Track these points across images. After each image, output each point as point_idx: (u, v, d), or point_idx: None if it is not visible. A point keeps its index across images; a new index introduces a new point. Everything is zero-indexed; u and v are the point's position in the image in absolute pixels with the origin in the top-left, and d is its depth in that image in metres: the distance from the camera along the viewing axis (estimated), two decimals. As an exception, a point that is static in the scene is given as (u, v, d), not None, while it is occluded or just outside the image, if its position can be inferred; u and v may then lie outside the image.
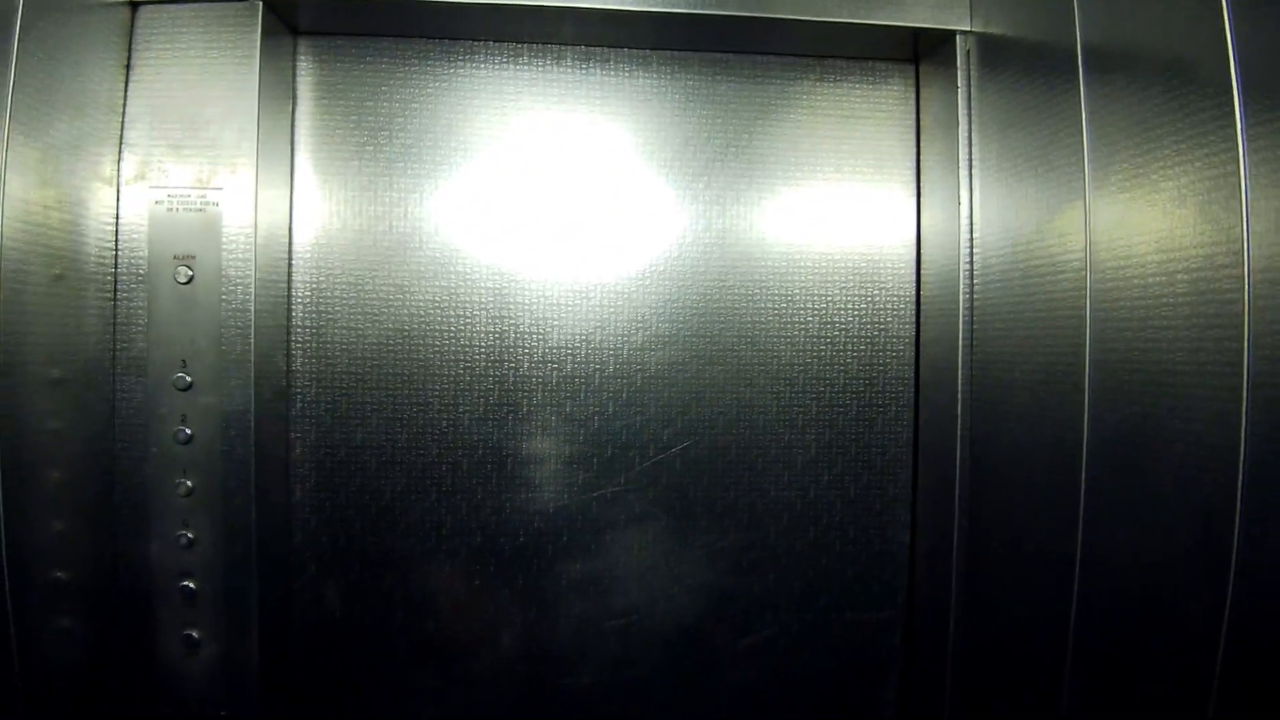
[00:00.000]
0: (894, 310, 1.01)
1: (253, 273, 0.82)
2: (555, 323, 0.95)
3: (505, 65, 0.95)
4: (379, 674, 0.94)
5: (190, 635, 0.83)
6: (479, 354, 0.94)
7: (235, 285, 0.82)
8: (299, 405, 0.91)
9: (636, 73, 0.97)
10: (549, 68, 0.96)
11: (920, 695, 0.99)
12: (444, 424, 0.93)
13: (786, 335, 1.01)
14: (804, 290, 1.00)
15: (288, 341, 0.91)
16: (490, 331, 0.94)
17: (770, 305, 0.99)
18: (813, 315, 1.01)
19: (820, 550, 1.02)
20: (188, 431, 0.82)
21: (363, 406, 0.92)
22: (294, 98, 0.92)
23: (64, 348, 0.76)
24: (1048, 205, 0.77)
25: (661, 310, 0.97)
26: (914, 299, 1.01)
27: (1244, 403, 0.56)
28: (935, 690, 0.95)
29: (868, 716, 1.04)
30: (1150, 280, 0.64)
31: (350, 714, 0.94)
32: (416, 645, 0.94)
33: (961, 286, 0.91)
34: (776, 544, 1.01)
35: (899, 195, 1.01)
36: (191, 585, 0.83)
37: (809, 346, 1.01)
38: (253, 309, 0.82)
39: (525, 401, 0.95)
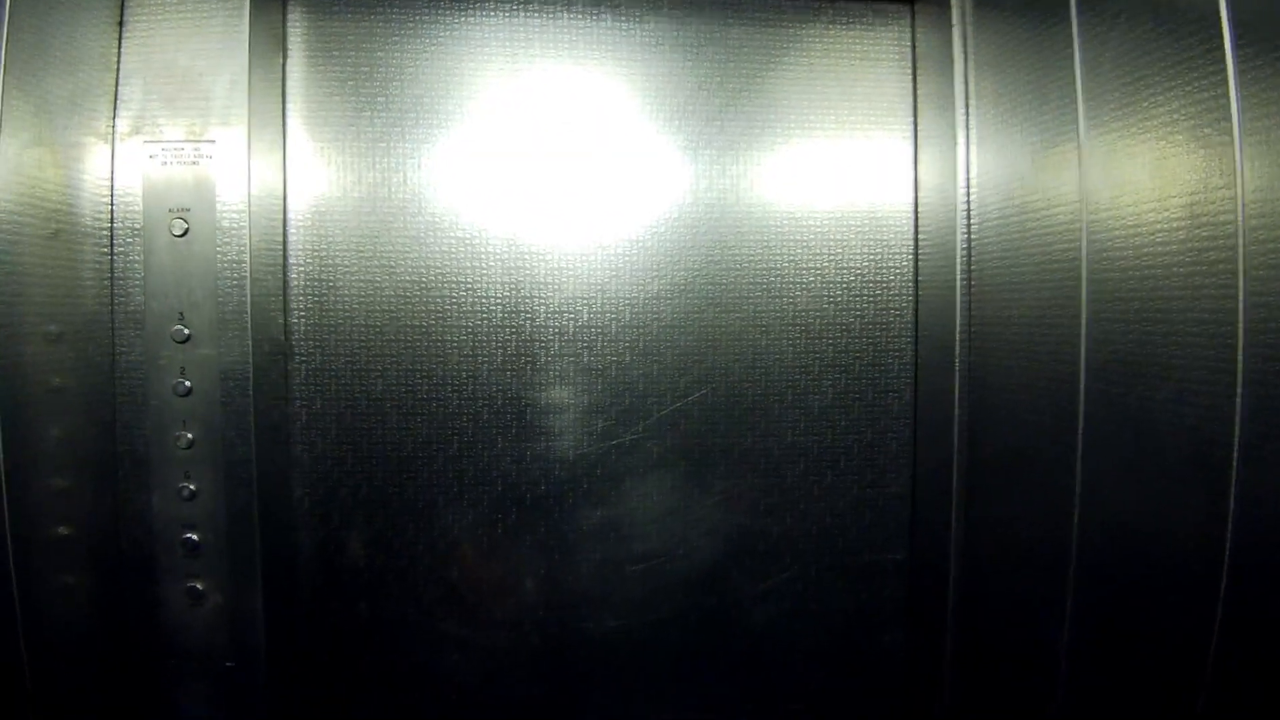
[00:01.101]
0: (902, 254, 1.02)
1: (247, 225, 0.82)
2: (571, 273, 0.95)
3: (515, 13, 0.94)
4: (401, 623, 0.95)
5: (194, 587, 0.85)
6: (495, 305, 0.94)
7: (230, 237, 0.82)
8: (310, 357, 0.92)
9: (648, 18, 0.96)
10: (559, 14, 0.95)
11: (925, 637, 1.02)
12: (463, 375, 0.94)
13: (801, 281, 1.01)
14: (818, 235, 1.00)
15: (285, 295, 0.91)
16: (506, 283, 0.94)
17: (785, 251, 1.00)
18: (828, 260, 1.01)
19: (836, 494, 1.03)
20: (187, 384, 0.83)
21: (383, 359, 0.92)
22: (284, 50, 0.91)
23: (62, 303, 0.77)
24: (1043, 140, 0.77)
25: (677, 258, 0.97)
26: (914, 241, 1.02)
27: (1240, 323, 0.57)
28: (937, 631, 0.97)
29: (878, 656, 1.07)
30: (1145, 209, 0.65)
31: (369, 662, 0.96)
32: (440, 594, 0.96)
33: (959, 225, 0.93)
34: (793, 489, 1.02)
35: (904, 136, 1.01)
36: (194, 537, 0.84)
37: (823, 291, 1.01)
38: (248, 261, 0.82)
39: (543, 352, 0.95)
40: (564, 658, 0.99)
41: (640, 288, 0.97)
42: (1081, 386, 0.74)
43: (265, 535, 0.85)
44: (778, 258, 1.00)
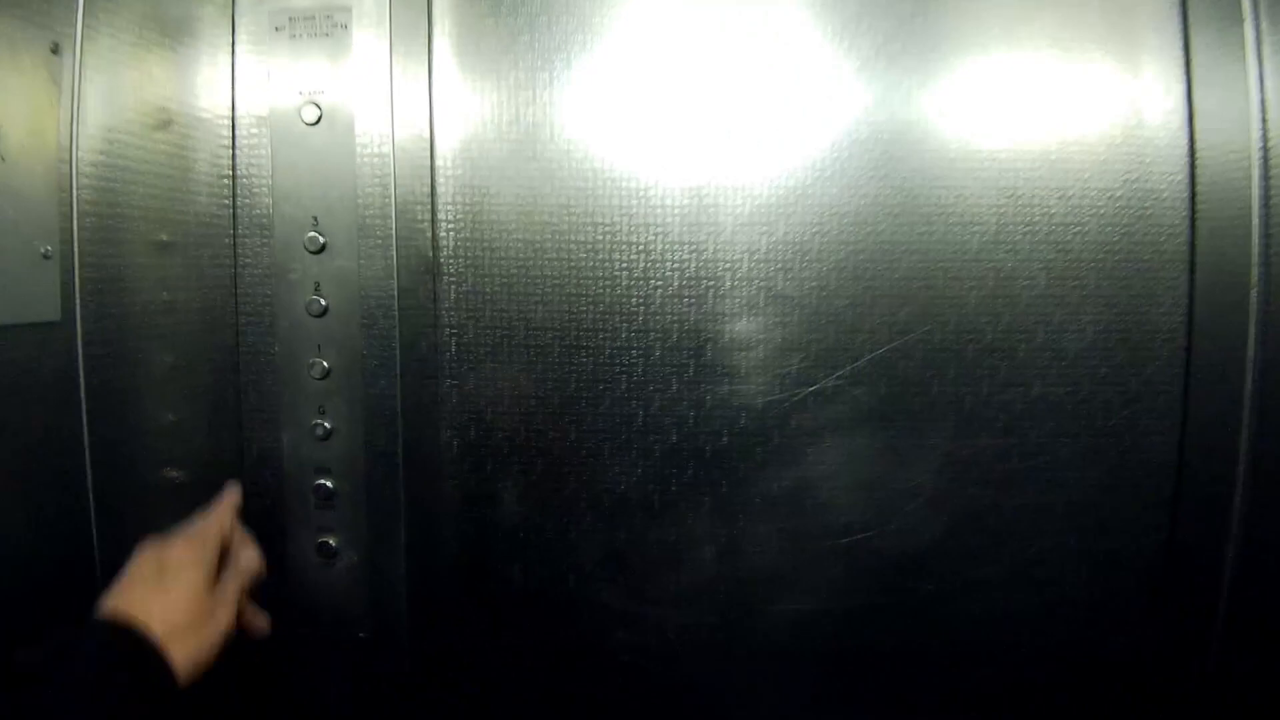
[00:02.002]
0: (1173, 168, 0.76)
1: (389, 108, 0.68)
2: (765, 172, 0.77)
3: None
4: (560, 592, 0.82)
5: (326, 543, 0.74)
6: (672, 215, 0.77)
7: (370, 124, 0.69)
8: (461, 278, 0.78)
9: None
10: None
11: (1184, 643, 0.78)
12: (634, 301, 0.78)
13: (1057, 186, 0.78)
14: (1077, 140, 0.77)
15: (432, 202, 0.76)
16: (685, 189, 0.77)
17: (1038, 150, 0.77)
18: (1083, 151, 0.78)
19: (1091, 460, 0.81)
20: (322, 302, 0.71)
21: (543, 281, 0.78)
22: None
23: (173, 205, 0.67)
24: None
25: (907, 151, 0.77)
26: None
27: None
28: (1200, 638, 0.75)
29: (1126, 662, 0.85)
30: None
31: (523, 636, 0.83)
32: (604, 560, 0.82)
33: (1253, 132, 0.72)
34: (1037, 452, 0.81)
35: (1154, 65, 0.76)
36: (328, 484, 0.73)
37: (1085, 197, 0.78)
38: (391, 152, 0.69)
39: (728, 274, 0.78)
40: (745, 641, 0.83)
41: (853, 190, 0.77)
42: None
43: (409, 484, 0.73)
44: (1028, 157, 0.77)
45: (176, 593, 0.53)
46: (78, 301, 0.60)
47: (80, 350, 0.59)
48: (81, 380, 0.59)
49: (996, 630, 0.83)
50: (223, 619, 0.55)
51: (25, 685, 0.43)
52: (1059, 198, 0.79)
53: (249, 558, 0.62)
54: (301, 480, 0.73)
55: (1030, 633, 0.83)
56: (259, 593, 0.65)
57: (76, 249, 0.61)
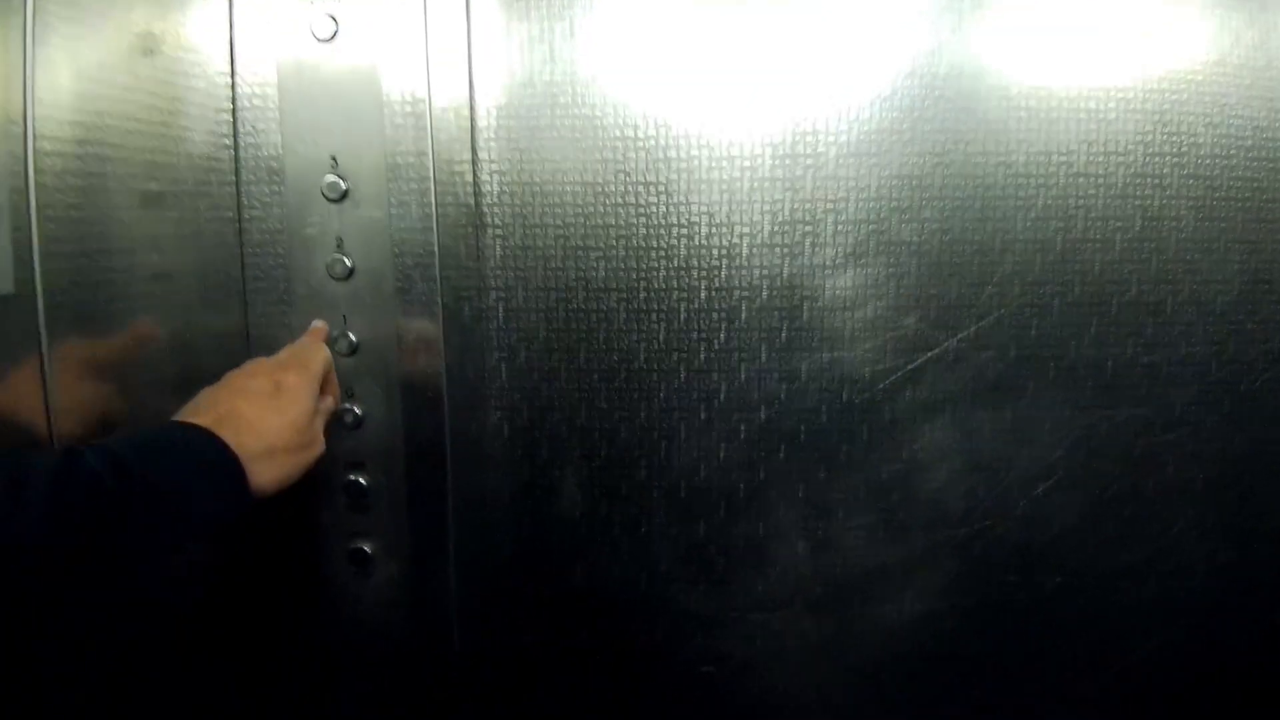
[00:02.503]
0: None
1: (421, 16, 0.55)
2: (873, 91, 0.63)
3: None
4: (631, 595, 0.70)
5: (360, 550, 0.63)
6: (762, 146, 0.64)
7: (397, 39, 0.56)
8: (508, 230, 0.65)
9: None
10: None
11: None
12: (715, 254, 0.65)
13: (1204, 113, 0.66)
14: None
15: (472, 137, 0.63)
16: (777, 113, 0.64)
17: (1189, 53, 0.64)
18: (1227, 76, 0.65)
19: (1232, 429, 0.70)
20: (346, 262, 0.59)
21: (605, 231, 0.65)
22: None
23: (162, 147, 0.56)
24: None
25: (1033, 71, 0.64)
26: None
27: None
28: None
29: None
30: None
31: (589, 646, 0.72)
32: (681, 558, 0.70)
33: None
34: (1180, 421, 0.69)
35: None
36: (361, 480, 0.62)
37: (1231, 127, 0.65)
38: (426, 70, 0.55)
39: (830, 216, 0.65)
40: (846, 648, 0.72)
41: (979, 116, 0.64)
42: None
43: (456, 477, 0.61)
44: (1174, 80, 0.65)
45: (290, 416, 0.53)
46: (37, 270, 0.48)
47: (43, 330, 0.47)
48: (46, 368, 0.47)
49: (1131, 626, 0.72)
50: (317, 448, 0.56)
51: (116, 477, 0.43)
52: (1206, 125, 0.66)
53: (335, 395, 0.61)
54: (329, 477, 0.61)
55: (1162, 628, 0.72)
56: (284, 605, 0.55)
57: (34, 203, 0.48)
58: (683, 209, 0.64)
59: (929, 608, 0.71)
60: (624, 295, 0.66)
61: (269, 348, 0.61)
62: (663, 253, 0.65)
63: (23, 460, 0.42)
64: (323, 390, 0.59)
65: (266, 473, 0.50)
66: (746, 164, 0.64)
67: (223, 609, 0.65)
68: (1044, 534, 0.70)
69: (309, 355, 0.59)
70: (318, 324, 0.61)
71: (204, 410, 0.51)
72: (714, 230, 0.65)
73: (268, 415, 0.52)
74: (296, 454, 0.53)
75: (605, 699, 0.72)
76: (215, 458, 0.48)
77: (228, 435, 0.49)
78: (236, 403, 0.52)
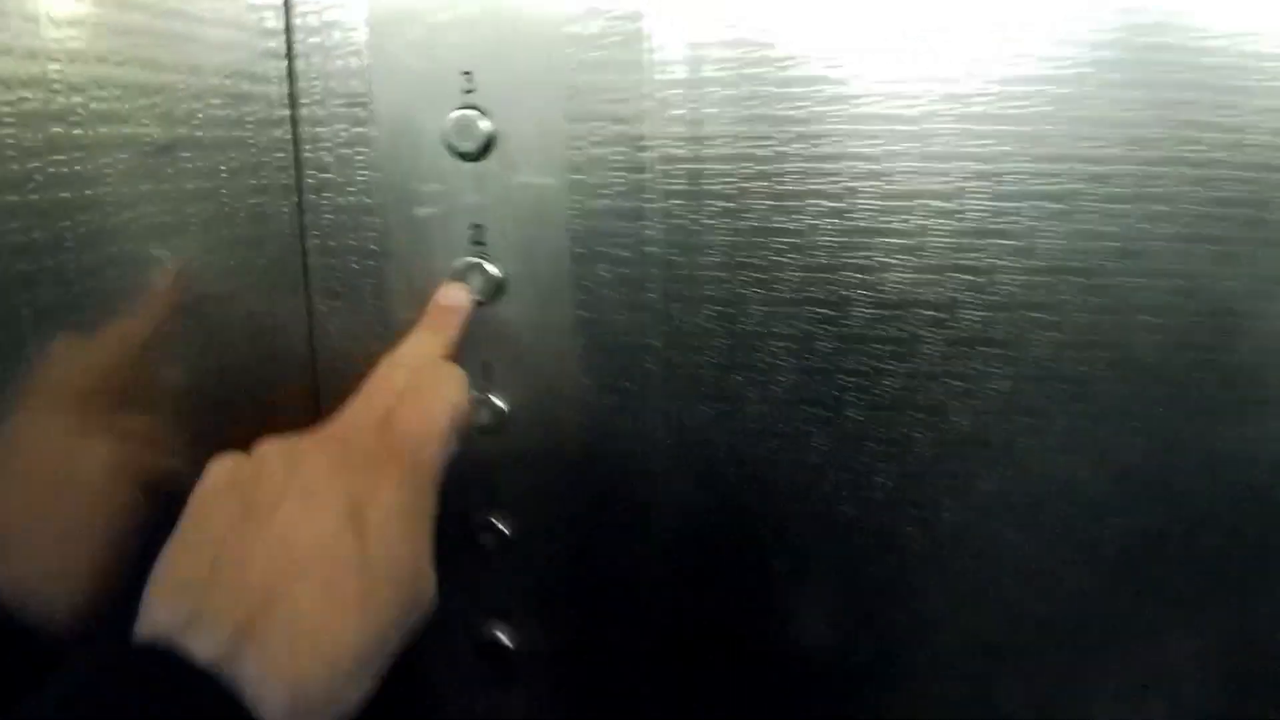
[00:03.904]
0: None
1: None
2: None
3: None
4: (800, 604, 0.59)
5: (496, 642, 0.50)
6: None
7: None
8: (672, 172, 0.52)
9: None
10: None
11: None
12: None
13: None
14: None
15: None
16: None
17: None
18: None
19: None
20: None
21: (783, 178, 0.52)
22: None
23: (181, 85, 0.41)
24: None
25: None
26: None
27: None
28: None
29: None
30: None
31: (740, 666, 0.60)
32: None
33: None
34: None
35: None
36: (502, 527, 0.49)
37: None
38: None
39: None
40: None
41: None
42: None
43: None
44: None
45: (385, 574, 0.30)
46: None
47: None
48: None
49: None
50: (426, 599, 0.32)
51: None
52: None
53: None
54: (455, 522, 0.46)
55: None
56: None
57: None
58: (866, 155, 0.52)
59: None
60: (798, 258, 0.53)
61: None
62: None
63: None
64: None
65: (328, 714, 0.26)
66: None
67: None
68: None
69: (430, 408, 0.34)
70: (452, 291, 0.42)
71: (216, 598, 0.26)
72: (907, 175, 0.52)
73: (345, 604, 0.27)
74: (383, 655, 0.28)
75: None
76: None
77: (260, 669, 0.24)
78: (282, 585, 0.26)
